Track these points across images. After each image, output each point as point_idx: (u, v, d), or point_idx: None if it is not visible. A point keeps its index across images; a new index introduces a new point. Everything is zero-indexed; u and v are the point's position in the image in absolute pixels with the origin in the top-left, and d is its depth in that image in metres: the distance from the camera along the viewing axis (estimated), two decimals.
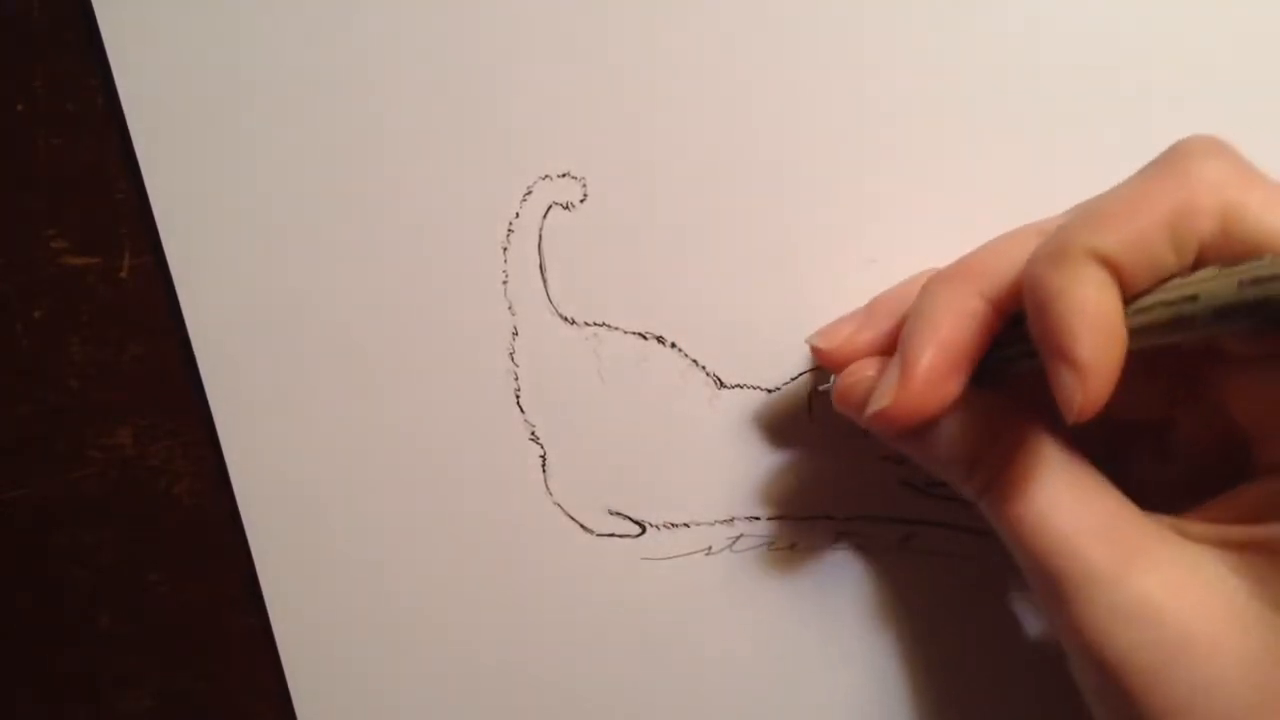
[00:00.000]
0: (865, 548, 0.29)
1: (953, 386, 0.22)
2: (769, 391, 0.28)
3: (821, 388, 0.27)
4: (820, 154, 0.27)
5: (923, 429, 0.23)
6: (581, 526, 0.30)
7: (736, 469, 0.29)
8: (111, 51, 0.27)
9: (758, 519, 0.29)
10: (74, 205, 0.29)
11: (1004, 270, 0.21)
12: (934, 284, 0.23)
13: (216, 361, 0.29)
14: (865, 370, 0.24)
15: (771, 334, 0.28)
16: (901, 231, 0.27)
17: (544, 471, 0.29)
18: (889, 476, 0.29)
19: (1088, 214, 0.20)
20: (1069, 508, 0.21)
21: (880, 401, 0.22)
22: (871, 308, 0.26)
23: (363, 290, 0.28)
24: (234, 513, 0.30)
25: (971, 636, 0.30)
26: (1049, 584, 0.21)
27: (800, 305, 0.28)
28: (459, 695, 0.31)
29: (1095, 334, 0.18)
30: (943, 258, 0.26)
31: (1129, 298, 0.19)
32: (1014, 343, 0.22)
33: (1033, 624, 0.30)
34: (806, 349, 0.28)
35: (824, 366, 0.26)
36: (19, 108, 0.28)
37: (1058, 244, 0.19)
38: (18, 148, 0.28)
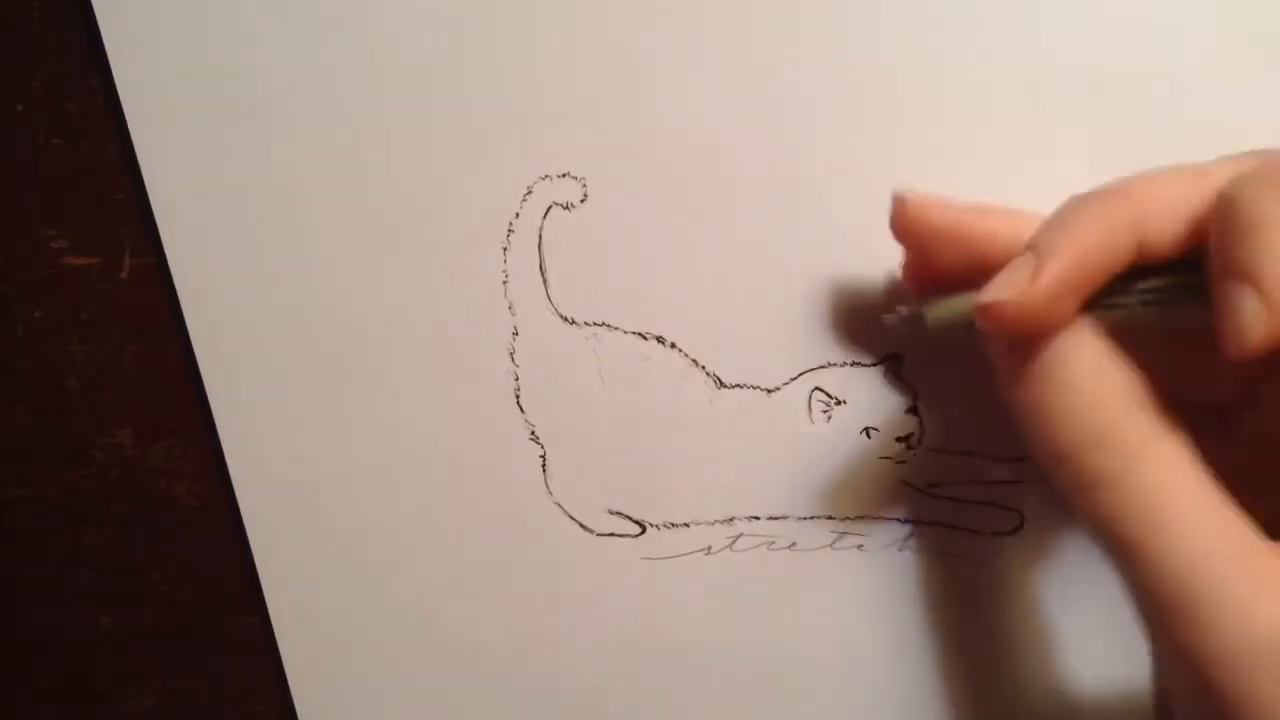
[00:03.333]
0: (865, 548, 0.29)
1: (1072, 305, 0.20)
2: (769, 391, 0.28)
3: (887, 319, 0.25)
4: (821, 154, 0.27)
5: (1036, 362, 0.20)
6: (581, 526, 0.30)
7: (736, 469, 0.29)
8: (111, 51, 0.27)
9: (758, 519, 0.29)
10: (74, 205, 0.29)
11: (1163, 206, 0.20)
12: (1085, 198, 0.20)
13: (216, 361, 0.29)
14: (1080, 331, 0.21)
15: (771, 334, 0.28)
16: None
17: (544, 471, 0.29)
18: (889, 476, 0.29)
19: None
20: (1206, 523, 0.19)
21: (999, 293, 0.20)
22: (1033, 248, 0.21)
23: (363, 290, 0.28)
24: (234, 513, 0.30)
25: (971, 636, 0.30)
26: (1171, 604, 0.19)
27: (800, 305, 0.28)
28: (459, 694, 0.31)
29: None
30: None
31: None
32: (1120, 294, 0.20)
33: (1031, 624, 0.30)
34: (806, 349, 0.28)
35: (1008, 329, 0.21)
36: (19, 108, 0.28)
37: (1274, 170, 0.18)
38: (18, 148, 0.28)
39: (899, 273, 0.26)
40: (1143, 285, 0.20)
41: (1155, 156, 0.26)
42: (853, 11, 0.26)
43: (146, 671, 0.32)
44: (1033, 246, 0.20)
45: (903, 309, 0.24)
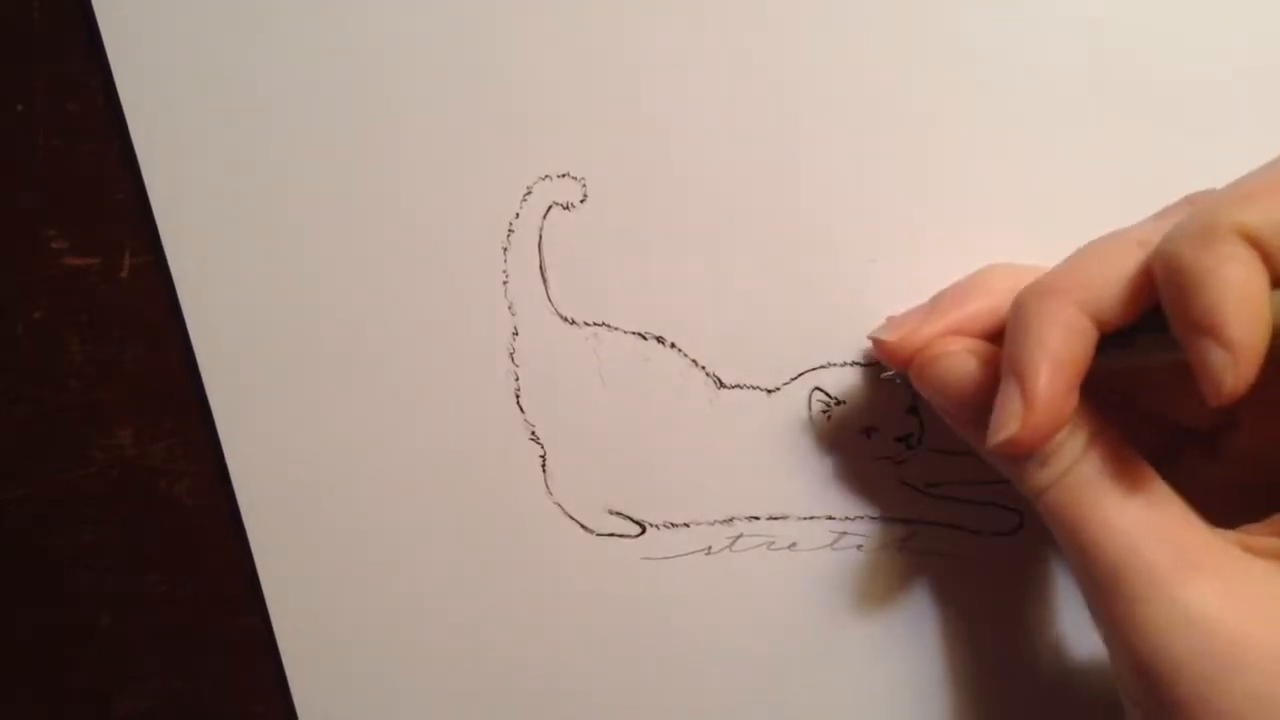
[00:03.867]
0: (865, 548, 0.29)
1: (1071, 404, 0.21)
2: (769, 391, 0.28)
3: (884, 376, 0.27)
4: (820, 153, 0.27)
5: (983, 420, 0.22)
6: (581, 526, 0.30)
7: (736, 469, 0.29)
8: (111, 51, 0.27)
9: (758, 519, 0.29)
10: (74, 205, 0.29)
11: (1106, 283, 0.21)
12: (1033, 299, 0.22)
13: (216, 361, 0.29)
14: (949, 345, 0.24)
15: (771, 334, 0.28)
16: (902, 231, 0.27)
17: (544, 471, 0.29)
18: (889, 476, 0.29)
19: (1233, 192, 0.19)
20: (1137, 509, 0.21)
21: (1007, 429, 0.21)
22: (935, 301, 0.25)
23: (363, 290, 0.28)
24: (234, 513, 0.30)
25: (971, 636, 0.30)
26: (1108, 583, 0.21)
27: (800, 305, 0.28)
28: (459, 694, 0.31)
29: (1247, 313, 0.18)
30: (943, 257, 0.26)
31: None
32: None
33: (1031, 624, 0.30)
34: (806, 349, 0.28)
35: (886, 360, 0.26)
36: (19, 108, 0.28)
37: (1203, 222, 0.19)
38: (18, 148, 0.28)
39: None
40: (1109, 347, 0.21)
41: (1155, 156, 0.26)
42: (854, 11, 0.26)
43: (146, 671, 0.32)
44: (1011, 370, 0.21)
45: (885, 375, 0.27)
